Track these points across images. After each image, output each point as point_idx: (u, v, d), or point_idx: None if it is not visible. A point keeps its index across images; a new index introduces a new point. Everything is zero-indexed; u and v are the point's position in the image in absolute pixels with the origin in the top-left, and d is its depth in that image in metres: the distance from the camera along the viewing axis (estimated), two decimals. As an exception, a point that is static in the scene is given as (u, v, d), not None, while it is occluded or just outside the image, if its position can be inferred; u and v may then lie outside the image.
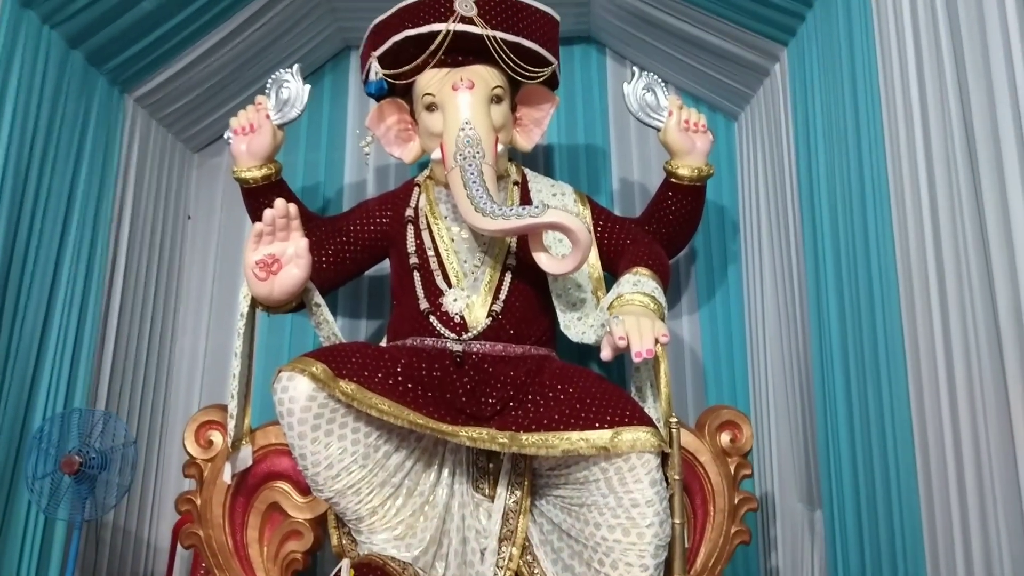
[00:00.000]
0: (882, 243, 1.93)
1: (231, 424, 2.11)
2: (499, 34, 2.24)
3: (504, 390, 2.14)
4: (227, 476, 2.12)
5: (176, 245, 3.22)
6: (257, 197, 2.44)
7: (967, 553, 1.61)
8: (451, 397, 2.11)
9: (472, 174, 2.15)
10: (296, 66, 2.45)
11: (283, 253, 2.07)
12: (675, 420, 1.99)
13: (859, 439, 2.04)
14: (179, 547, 2.73)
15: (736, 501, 2.15)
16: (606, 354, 1.99)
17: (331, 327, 2.29)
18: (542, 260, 2.16)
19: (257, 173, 2.43)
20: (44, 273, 2.46)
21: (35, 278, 2.41)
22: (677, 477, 1.96)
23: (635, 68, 2.48)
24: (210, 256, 3.24)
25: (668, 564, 1.91)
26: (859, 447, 2.04)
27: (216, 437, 2.20)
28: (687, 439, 2.15)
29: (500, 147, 2.31)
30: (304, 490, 2.15)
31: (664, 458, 1.94)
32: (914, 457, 1.79)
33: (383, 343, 2.42)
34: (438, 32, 2.23)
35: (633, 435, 1.87)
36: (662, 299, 2.12)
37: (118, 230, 2.81)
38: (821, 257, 2.25)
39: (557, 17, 2.42)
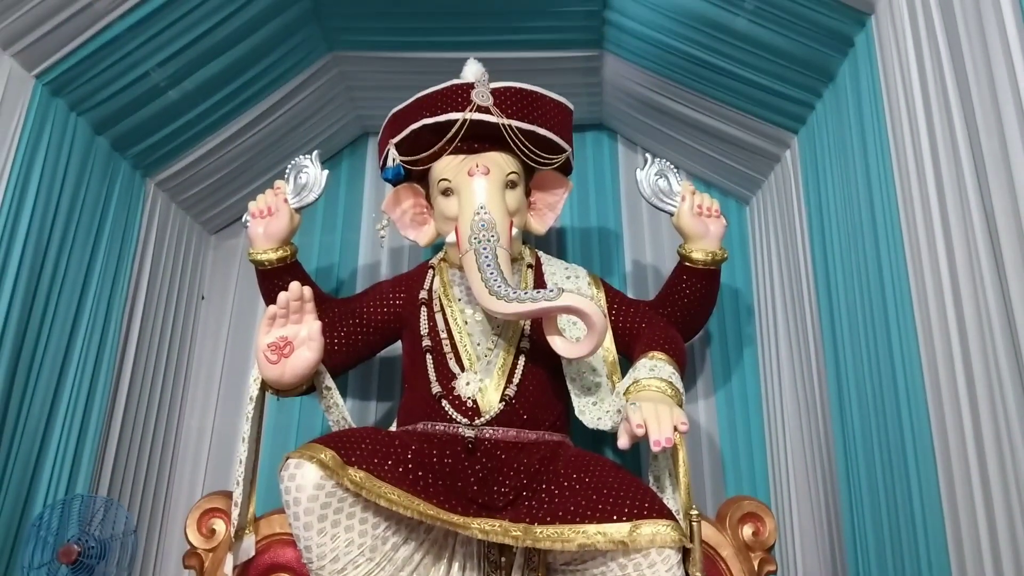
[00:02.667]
0: (903, 327, 1.90)
1: (235, 512, 2.05)
2: (514, 123, 2.28)
3: (517, 478, 2.07)
4: (228, 568, 2.04)
5: (188, 325, 3.22)
6: (272, 279, 2.44)
7: None
8: (462, 486, 2.05)
9: (487, 257, 2.15)
10: (315, 152, 2.50)
11: (296, 336, 2.05)
12: (695, 512, 1.92)
13: (887, 531, 1.95)
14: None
15: (761, 599, 2.05)
16: (623, 442, 1.94)
17: (341, 411, 2.25)
18: (557, 344, 2.13)
19: (273, 255, 2.44)
20: (56, 352, 2.45)
21: (46, 357, 2.40)
22: (699, 574, 1.87)
23: (648, 154, 2.51)
24: (222, 337, 3.23)
25: (691, 669, 1.80)
26: (887, 540, 1.95)
27: (219, 526, 2.13)
28: (708, 532, 2.07)
29: (515, 231, 2.32)
30: (309, 583, 2.05)
31: (685, 553, 1.85)
32: (947, 551, 1.71)
33: (393, 427, 2.37)
34: (455, 120, 2.28)
35: (653, 529, 1.79)
36: (679, 384, 2.08)
37: (131, 309, 2.82)
38: (840, 341, 2.21)
39: (571, 106, 2.47)
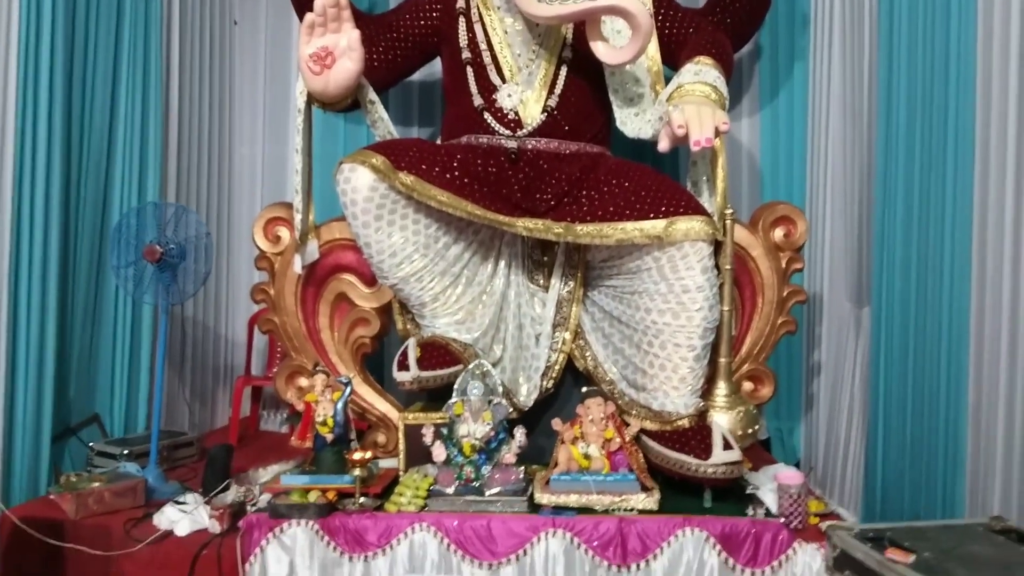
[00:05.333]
0: (963, 43, 1.79)
1: (297, 218, 2.20)
2: None
3: (559, 186, 2.15)
4: (297, 267, 2.23)
5: (225, 52, 3.19)
6: (304, -8, 2.37)
7: (1012, 356, 1.63)
8: (507, 192, 2.15)
9: (527, -42, 2.04)
10: None
11: (336, 46, 2.03)
12: (730, 211, 2.00)
13: (915, 241, 2.01)
14: (255, 338, 2.98)
15: (785, 293, 2.20)
16: (664, 145, 1.96)
17: (386, 125, 2.30)
18: (599, 49, 2.09)
19: (303, -35, 2.35)
20: (104, 77, 2.49)
21: (96, 82, 2.45)
22: (728, 267, 2.00)
23: None
24: (260, 62, 3.21)
25: (715, 347, 2.00)
26: (915, 249, 2.02)
27: (283, 232, 2.30)
28: (740, 234, 2.17)
29: (556, -71, 2.16)
30: (369, 281, 2.26)
31: (717, 248, 1.97)
32: (970, 260, 1.77)
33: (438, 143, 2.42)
34: None
35: (687, 224, 1.89)
36: (724, 89, 2.05)
37: (169, 36, 2.79)
38: (896, 53, 2.11)
39: None
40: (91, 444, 2.36)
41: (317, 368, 2.12)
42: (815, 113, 2.67)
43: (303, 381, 2.21)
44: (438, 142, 2.42)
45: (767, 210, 2.25)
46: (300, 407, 2.06)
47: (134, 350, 2.57)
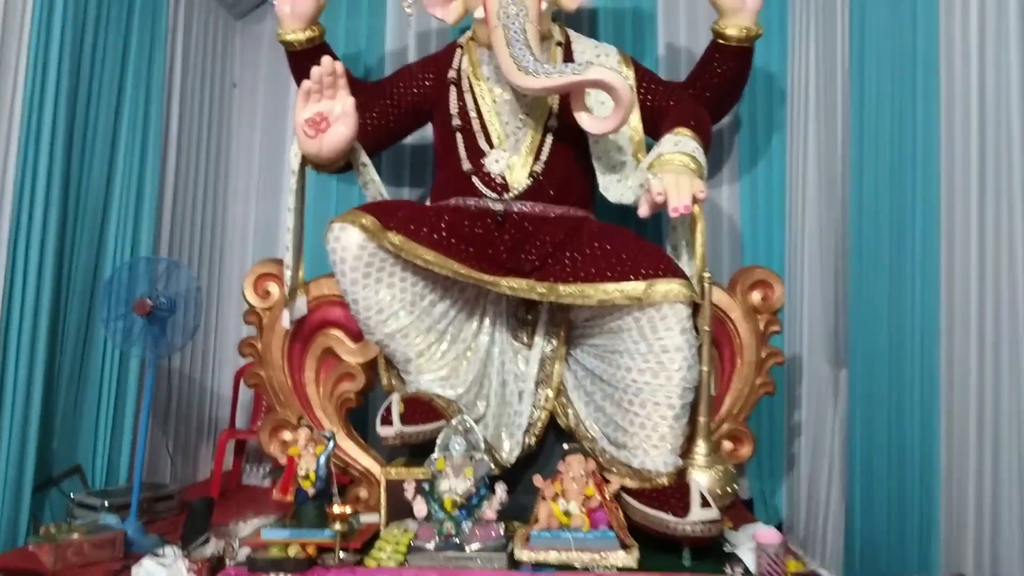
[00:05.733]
0: (927, 113, 1.91)
1: (287, 275, 2.25)
2: None
3: (544, 247, 2.22)
4: (285, 322, 2.28)
5: (224, 114, 3.30)
6: (302, 60, 2.48)
7: (980, 417, 1.69)
8: (493, 253, 2.21)
9: (515, 32, 2.16)
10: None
11: (331, 112, 2.13)
12: (708, 275, 2.07)
13: (887, 305, 2.08)
14: (240, 392, 3.00)
15: (763, 355, 2.25)
16: (644, 211, 2.05)
17: (378, 187, 2.38)
18: (583, 120, 2.19)
19: (302, 36, 2.48)
20: (105, 135, 2.57)
21: (97, 139, 2.53)
22: (707, 328, 2.06)
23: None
24: (256, 124, 3.32)
25: (694, 407, 2.04)
26: (885, 313, 2.09)
27: (273, 288, 2.35)
28: (719, 296, 2.23)
29: (544, 5, 2.29)
30: (356, 336, 2.30)
31: (695, 311, 2.03)
32: (939, 323, 1.83)
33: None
34: None
35: (666, 286, 1.96)
36: (702, 159, 2.15)
37: (169, 97, 2.90)
38: (868, 125, 2.22)
39: None
40: (72, 495, 2.35)
41: (301, 422, 2.14)
42: (793, 181, 2.78)
43: (287, 435, 2.23)
44: (427, 204, 2.50)
45: (745, 274, 2.32)
46: (283, 461, 2.08)
47: (119, 402, 2.58)
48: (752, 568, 1.84)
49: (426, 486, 1.97)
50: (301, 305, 2.30)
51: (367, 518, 2.14)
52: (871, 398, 2.15)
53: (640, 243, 2.16)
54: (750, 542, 1.89)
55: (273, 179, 3.24)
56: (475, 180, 2.32)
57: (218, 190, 3.25)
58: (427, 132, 2.69)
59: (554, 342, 2.22)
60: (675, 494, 1.91)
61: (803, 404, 2.65)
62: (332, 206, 2.98)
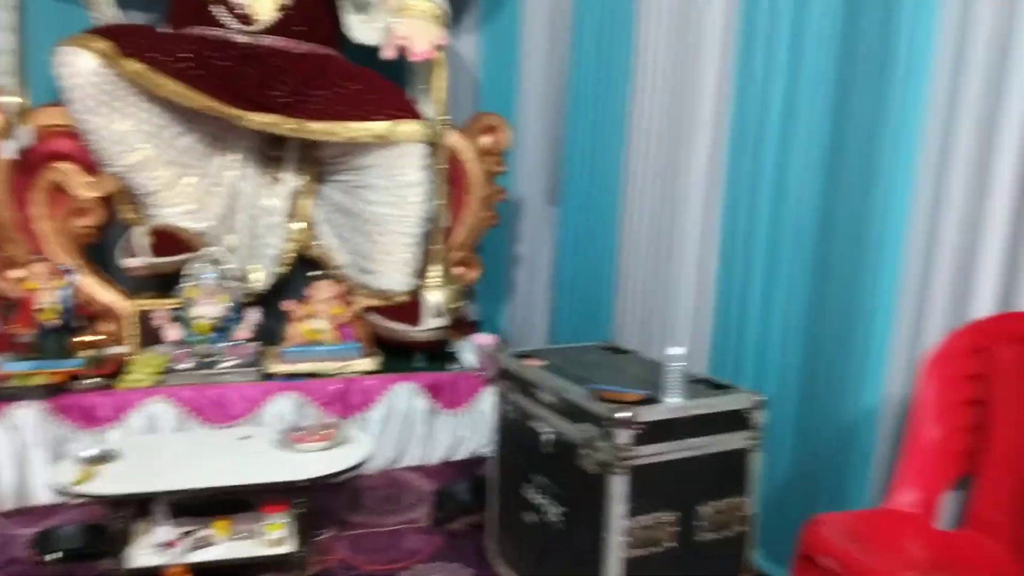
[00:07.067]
0: None
1: (8, 100, 2.08)
2: None
3: (292, 84, 2.28)
4: (7, 152, 2.13)
5: None
6: None
7: (652, 239, 2.17)
8: (239, 86, 2.22)
9: None
10: None
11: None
12: (444, 119, 2.30)
13: (591, 152, 2.49)
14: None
15: (490, 191, 2.58)
16: (387, 53, 2.20)
17: (108, 8, 2.23)
18: (329, -44, 2.22)
19: None
20: None
21: None
22: (443, 166, 2.32)
23: None
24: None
25: (429, 236, 2.33)
26: (589, 159, 2.50)
27: (-12, 116, 2.15)
28: (455, 139, 2.48)
29: None
30: (90, 169, 2.22)
31: (433, 150, 2.27)
32: (619, 171, 2.27)
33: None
34: None
35: (408, 127, 2.16)
36: (447, 7, 2.31)
37: None
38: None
39: None
40: None
41: (35, 257, 2.08)
42: (525, 36, 3.04)
43: (16, 272, 2.15)
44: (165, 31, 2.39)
45: (477, 119, 2.59)
46: (16, 297, 2.04)
47: None
48: (471, 364, 2.25)
49: (178, 314, 2.08)
50: (24, 133, 2.15)
51: (115, 350, 2.20)
52: (572, 229, 2.60)
53: (385, 85, 2.31)
54: (471, 346, 2.30)
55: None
56: (214, 8, 2.26)
57: None
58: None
59: (303, 178, 2.35)
60: (410, 309, 2.23)
61: (523, 237, 3.08)
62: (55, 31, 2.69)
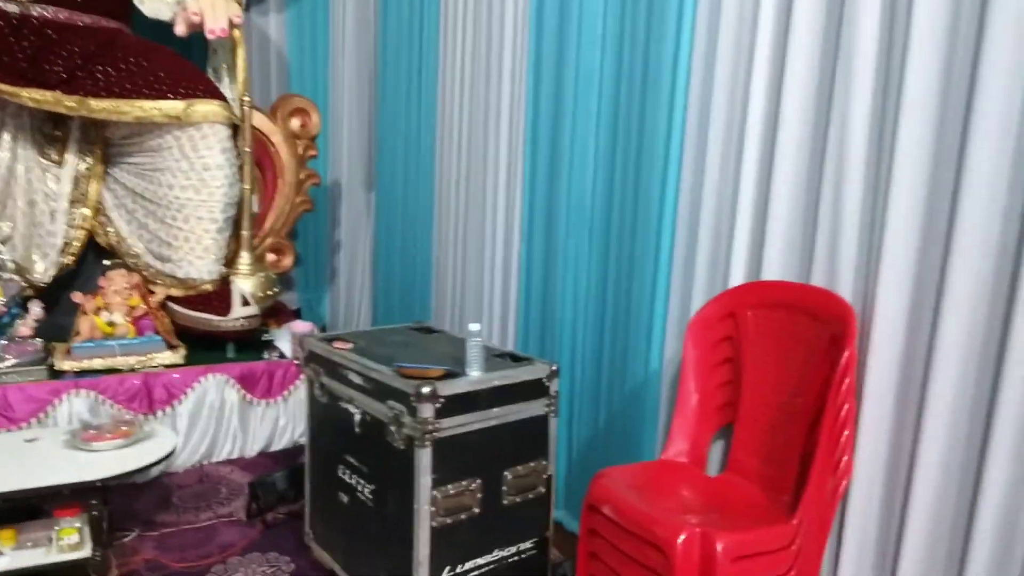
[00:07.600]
0: None
1: None
2: None
3: (72, 59, 2.10)
4: None
5: None
6: None
7: (463, 216, 2.24)
8: (10, 61, 2.02)
9: None
10: None
11: None
12: (247, 99, 2.22)
13: (403, 136, 2.51)
14: None
15: (302, 176, 2.53)
16: (180, 29, 2.08)
17: None
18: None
19: None
20: None
21: None
22: (247, 149, 2.24)
23: None
24: None
25: (237, 222, 2.25)
26: (401, 142, 2.52)
27: None
28: (261, 121, 2.41)
29: None
30: None
31: (236, 132, 2.19)
32: (436, 153, 2.32)
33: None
34: None
35: (206, 107, 2.07)
36: (242, -19, 2.22)
37: None
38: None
39: None
40: None
41: None
42: (335, 16, 2.99)
43: None
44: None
45: (285, 101, 2.52)
46: None
47: None
48: (288, 353, 2.21)
49: (-57, 310, 1.86)
50: None
51: None
52: (390, 214, 2.62)
53: (179, 62, 2.19)
54: (288, 334, 2.26)
55: None
56: (-23, -27, 2.04)
57: None
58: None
59: (89, 160, 2.18)
60: (218, 297, 2.14)
61: (342, 223, 3.05)
62: None
